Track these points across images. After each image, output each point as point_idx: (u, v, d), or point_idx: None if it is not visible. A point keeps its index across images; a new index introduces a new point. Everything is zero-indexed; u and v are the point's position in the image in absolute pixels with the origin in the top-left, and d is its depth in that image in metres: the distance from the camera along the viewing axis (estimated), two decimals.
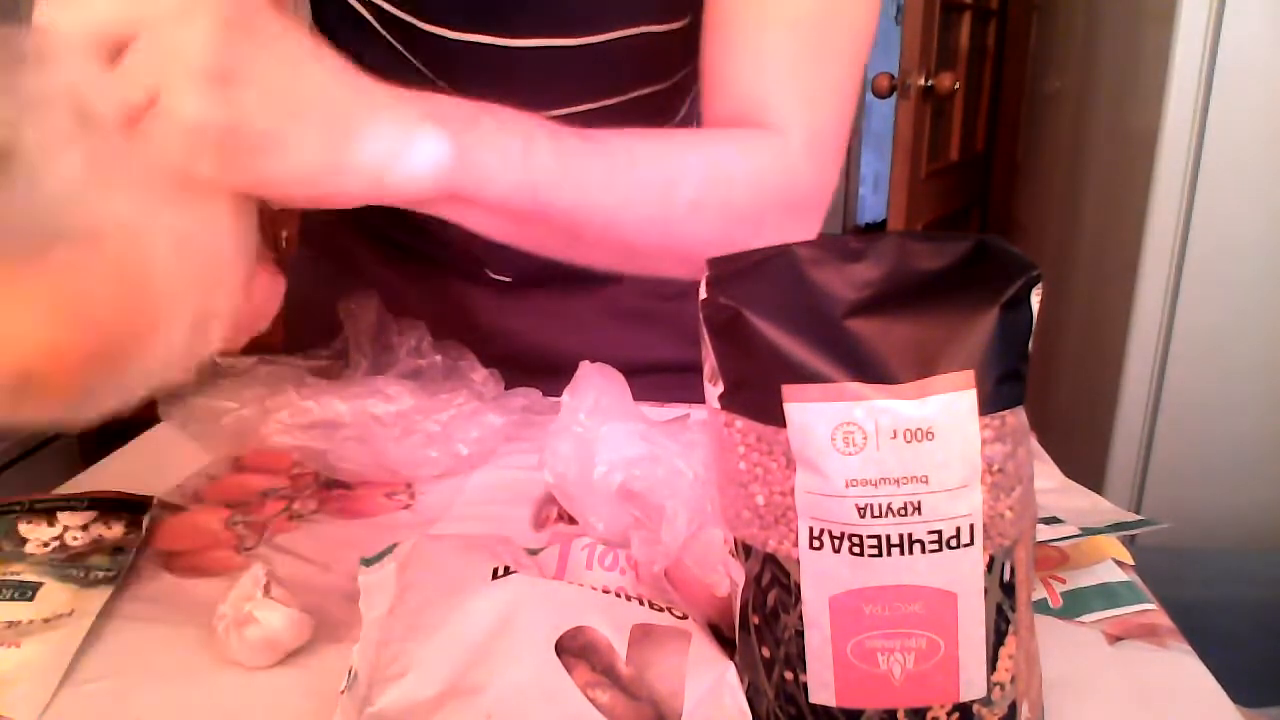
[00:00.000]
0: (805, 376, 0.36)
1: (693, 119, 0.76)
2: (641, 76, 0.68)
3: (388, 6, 0.64)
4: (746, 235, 0.55)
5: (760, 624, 0.40)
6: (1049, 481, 0.67)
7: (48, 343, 0.39)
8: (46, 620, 0.50)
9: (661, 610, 0.45)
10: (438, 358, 0.73)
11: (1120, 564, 0.56)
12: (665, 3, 0.62)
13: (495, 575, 0.46)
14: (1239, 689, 0.47)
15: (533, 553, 0.52)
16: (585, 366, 0.62)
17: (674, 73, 0.69)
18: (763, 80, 0.56)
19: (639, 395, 0.63)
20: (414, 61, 0.68)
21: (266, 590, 0.48)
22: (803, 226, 0.58)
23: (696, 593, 0.48)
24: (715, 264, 0.39)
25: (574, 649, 0.42)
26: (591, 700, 0.40)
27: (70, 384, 0.40)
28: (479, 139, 0.48)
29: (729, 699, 0.41)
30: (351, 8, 0.66)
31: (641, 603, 0.46)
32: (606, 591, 0.46)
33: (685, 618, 0.45)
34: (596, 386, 0.60)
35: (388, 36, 0.66)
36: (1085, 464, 1.74)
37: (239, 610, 0.48)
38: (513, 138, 0.49)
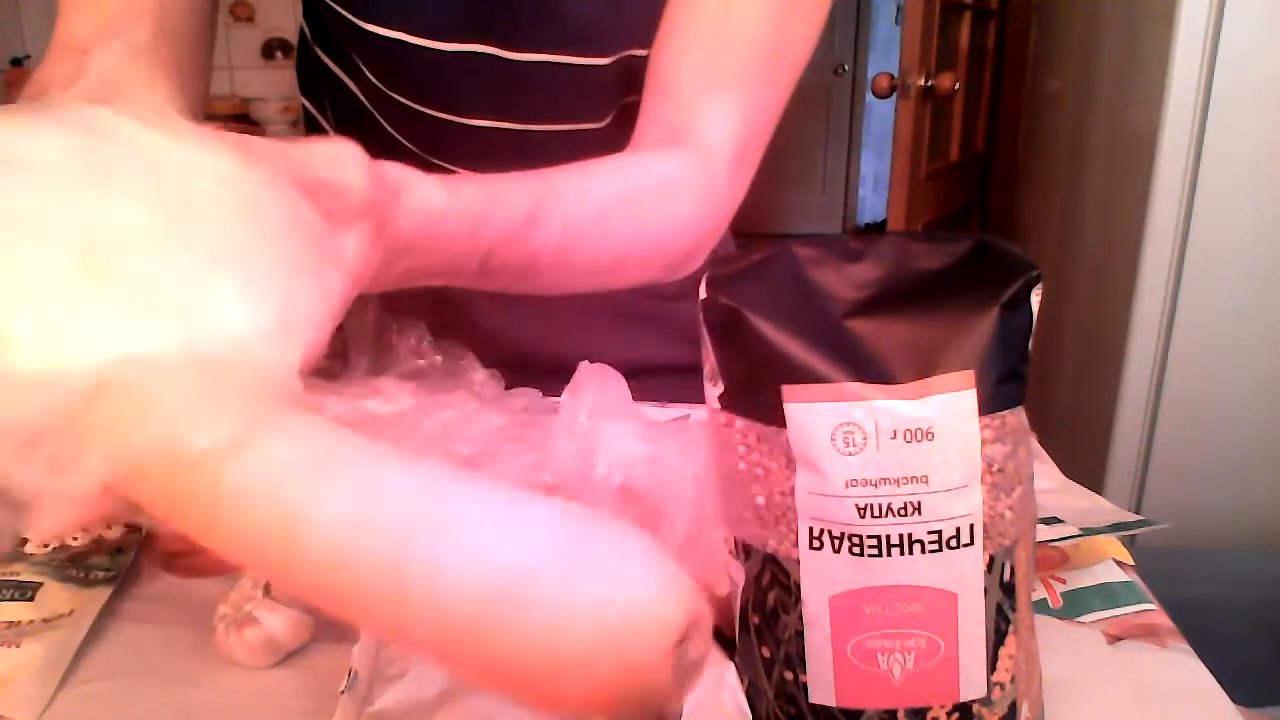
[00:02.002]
0: (805, 376, 0.36)
1: None
2: (628, 97, 0.68)
3: (372, 27, 0.64)
4: (682, 269, 0.58)
5: (760, 624, 0.40)
6: (1049, 481, 0.67)
7: None
8: (46, 620, 0.50)
9: None
10: (438, 358, 0.73)
11: (1120, 564, 0.56)
12: (653, 29, 0.62)
13: None
14: (1239, 689, 0.47)
15: None
16: (585, 366, 0.61)
17: None
18: (707, 92, 0.57)
19: (639, 396, 0.63)
20: (392, 95, 0.67)
21: (266, 590, 0.48)
22: (716, 241, 0.60)
23: None
24: (715, 264, 0.39)
25: None
26: None
27: None
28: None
29: (729, 699, 0.41)
30: (344, 32, 0.66)
31: None
32: None
33: None
34: (596, 386, 0.60)
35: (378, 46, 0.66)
36: (1085, 464, 1.74)
37: (239, 610, 0.48)
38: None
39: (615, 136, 0.61)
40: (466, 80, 0.66)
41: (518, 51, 0.64)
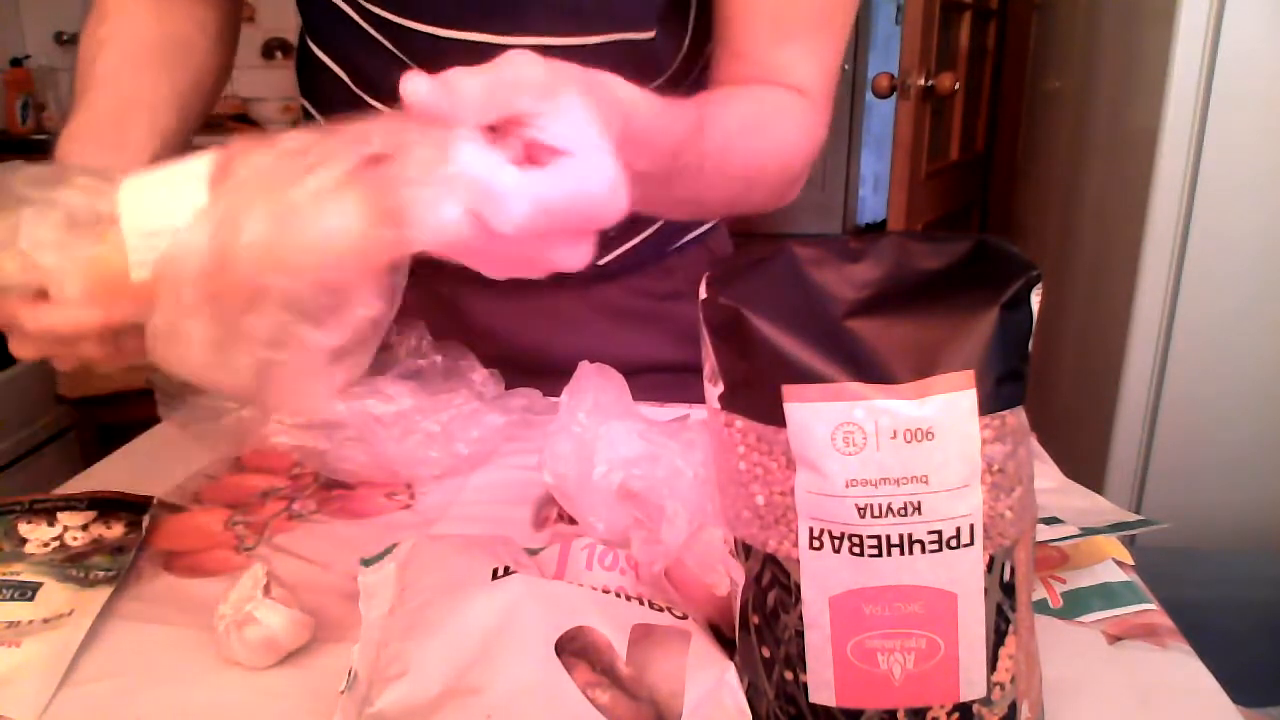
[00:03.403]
0: (805, 376, 0.36)
1: None
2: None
3: (372, 7, 0.64)
4: (789, 195, 0.64)
5: (760, 624, 0.40)
6: (1049, 481, 0.67)
7: None
8: (46, 620, 0.50)
9: (661, 610, 0.45)
10: (438, 358, 0.73)
11: (1120, 564, 0.56)
12: (643, 11, 0.63)
13: (495, 575, 0.46)
14: (1239, 689, 0.47)
15: (533, 553, 0.52)
16: (585, 366, 0.62)
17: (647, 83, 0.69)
18: (784, 50, 0.62)
19: (638, 395, 0.63)
20: (401, 56, 0.68)
21: (266, 590, 0.48)
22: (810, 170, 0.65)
23: (696, 593, 0.48)
24: (715, 264, 0.39)
25: (574, 649, 0.42)
26: (591, 700, 0.40)
27: None
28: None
29: (729, 699, 0.41)
30: (337, 7, 0.66)
31: (641, 603, 0.46)
32: (606, 591, 0.46)
33: (685, 618, 0.45)
34: (596, 386, 0.60)
35: (376, 34, 0.67)
36: (1085, 464, 1.74)
37: (239, 610, 0.48)
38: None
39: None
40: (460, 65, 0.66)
41: (505, 36, 0.64)
